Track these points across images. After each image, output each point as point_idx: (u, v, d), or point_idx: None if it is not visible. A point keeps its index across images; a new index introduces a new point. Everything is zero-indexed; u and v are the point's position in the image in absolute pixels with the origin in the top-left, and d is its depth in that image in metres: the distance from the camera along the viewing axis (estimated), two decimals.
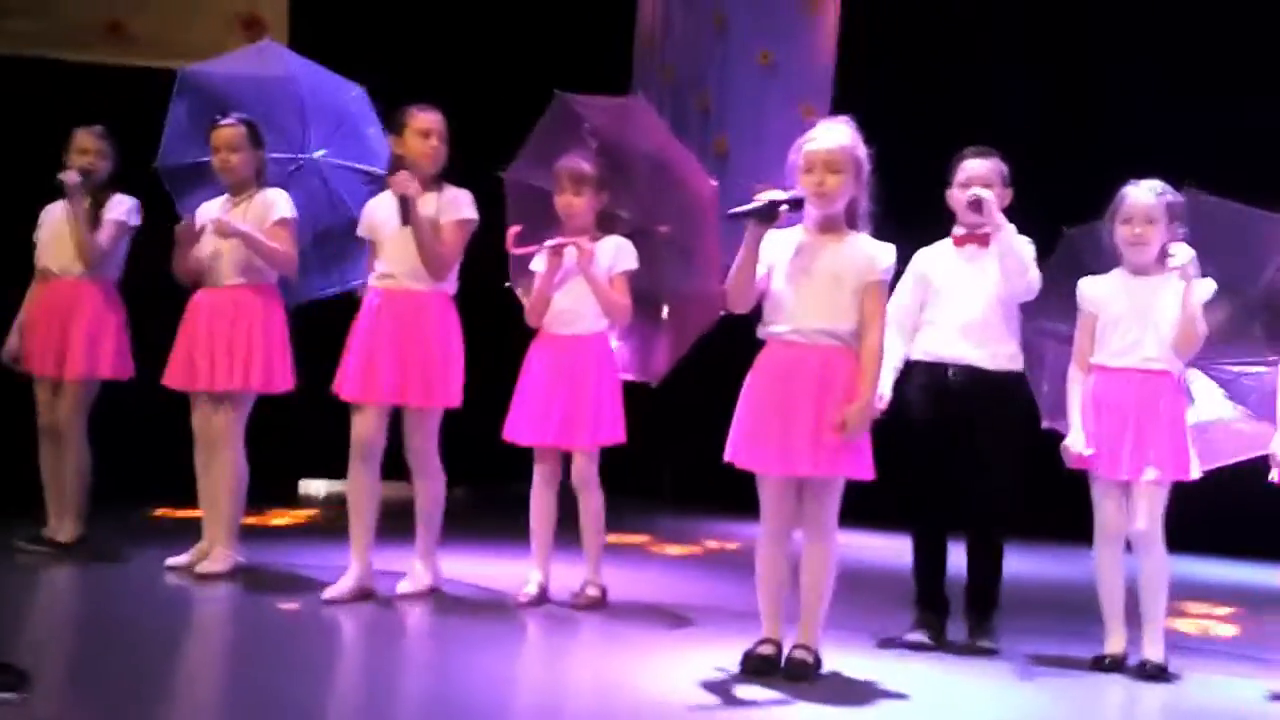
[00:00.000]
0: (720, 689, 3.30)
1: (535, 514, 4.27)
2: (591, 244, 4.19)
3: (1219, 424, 4.01)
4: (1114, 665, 3.75)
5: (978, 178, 3.93)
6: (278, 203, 4.49)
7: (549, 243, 4.20)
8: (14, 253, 5.02)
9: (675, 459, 6.77)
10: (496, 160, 7.09)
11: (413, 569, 4.25)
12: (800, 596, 3.47)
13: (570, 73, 7.12)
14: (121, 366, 4.76)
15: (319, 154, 4.81)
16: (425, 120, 4.27)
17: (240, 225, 4.38)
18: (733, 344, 3.63)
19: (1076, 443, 3.77)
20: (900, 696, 3.37)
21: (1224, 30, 6.35)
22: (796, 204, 3.38)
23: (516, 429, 4.24)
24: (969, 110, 6.58)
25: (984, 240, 3.93)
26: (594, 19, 7.25)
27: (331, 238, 4.75)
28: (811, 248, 3.45)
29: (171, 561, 4.46)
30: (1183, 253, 3.73)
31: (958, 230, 4.01)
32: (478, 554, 4.87)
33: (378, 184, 4.62)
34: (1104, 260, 3.98)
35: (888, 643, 3.90)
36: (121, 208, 4.75)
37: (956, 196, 3.98)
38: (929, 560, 3.97)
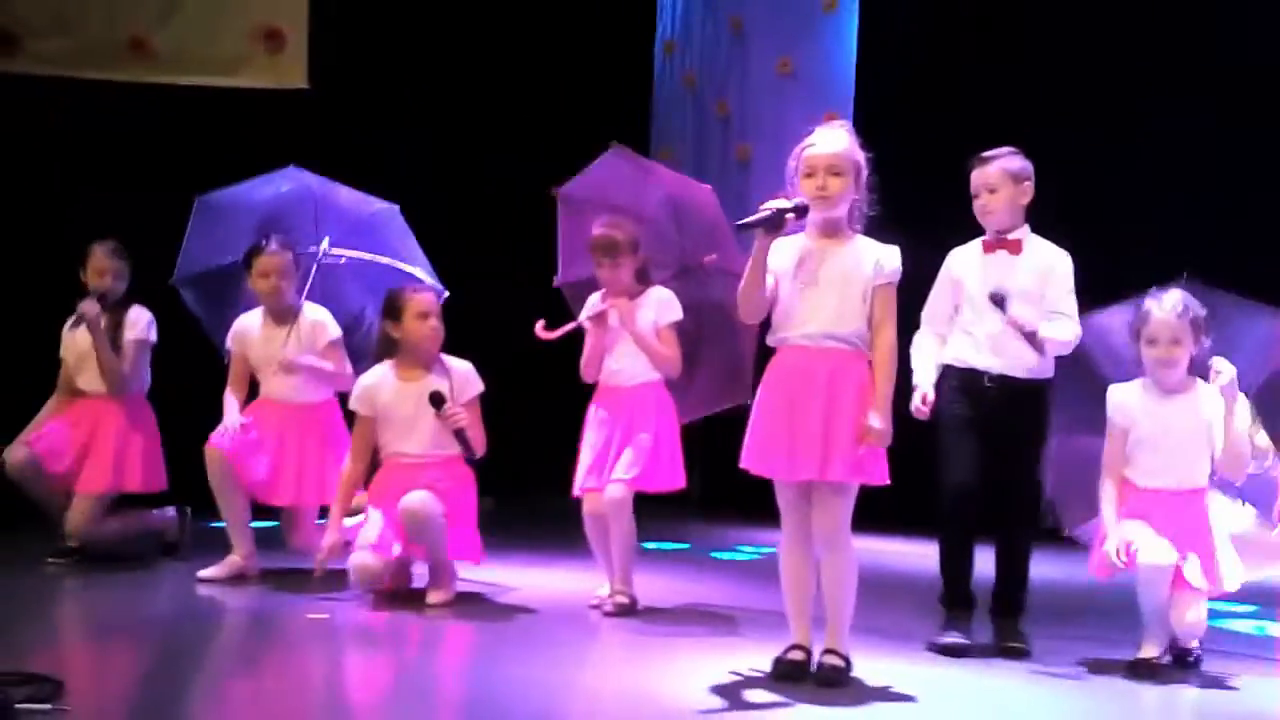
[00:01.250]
0: (751, 695, 3.28)
1: (591, 538, 4.32)
2: (629, 302, 4.24)
3: (1239, 536, 3.87)
4: (1150, 671, 3.71)
5: (983, 186, 3.93)
6: (326, 324, 4.66)
7: (590, 311, 4.28)
8: (41, 259, 5.09)
9: (703, 464, 6.76)
10: (521, 164, 7.10)
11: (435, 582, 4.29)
12: (824, 603, 3.46)
13: (591, 79, 7.19)
14: (152, 479, 4.85)
15: (324, 245, 4.92)
16: (422, 302, 4.36)
17: (306, 360, 4.56)
18: (764, 353, 3.61)
19: (1114, 548, 3.65)
20: (931, 701, 3.35)
21: (1228, 31, 6.32)
22: (802, 211, 3.37)
23: (584, 484, 4.27)
24: (992, 108, 6.57)
25: (1015, 246, 3.91)
26: (614, 25, 7.27)
27: (349, 335, 4.86)
28: (816, 253, 3.44)
29: (204, 574, 4.48)
30: (1226, 370, 3.67)
31: (987, 236, 3.99)
32: (505, 563, 4.86)
33: (401, 275, 4.84)
34: (1111, 354, 3.96)
35: (926, 646, 3.88)
36: (140, 326, 4.85)
37: (973, 200, 3.97)
38: (957, 560, 3.94)
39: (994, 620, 3.97)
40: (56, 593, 4.36)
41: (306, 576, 4.46)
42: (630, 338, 4.24)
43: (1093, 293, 4.01)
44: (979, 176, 3.96)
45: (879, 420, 3.32)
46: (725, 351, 4.42)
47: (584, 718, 3.14)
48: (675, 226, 4.52)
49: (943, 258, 4.09)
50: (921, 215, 3.72)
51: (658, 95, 7.37)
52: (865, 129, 3.56)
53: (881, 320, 3.40)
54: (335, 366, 4.62)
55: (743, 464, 3.48)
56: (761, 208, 3.36)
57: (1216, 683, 3.69)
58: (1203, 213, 6.23)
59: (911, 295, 3.56)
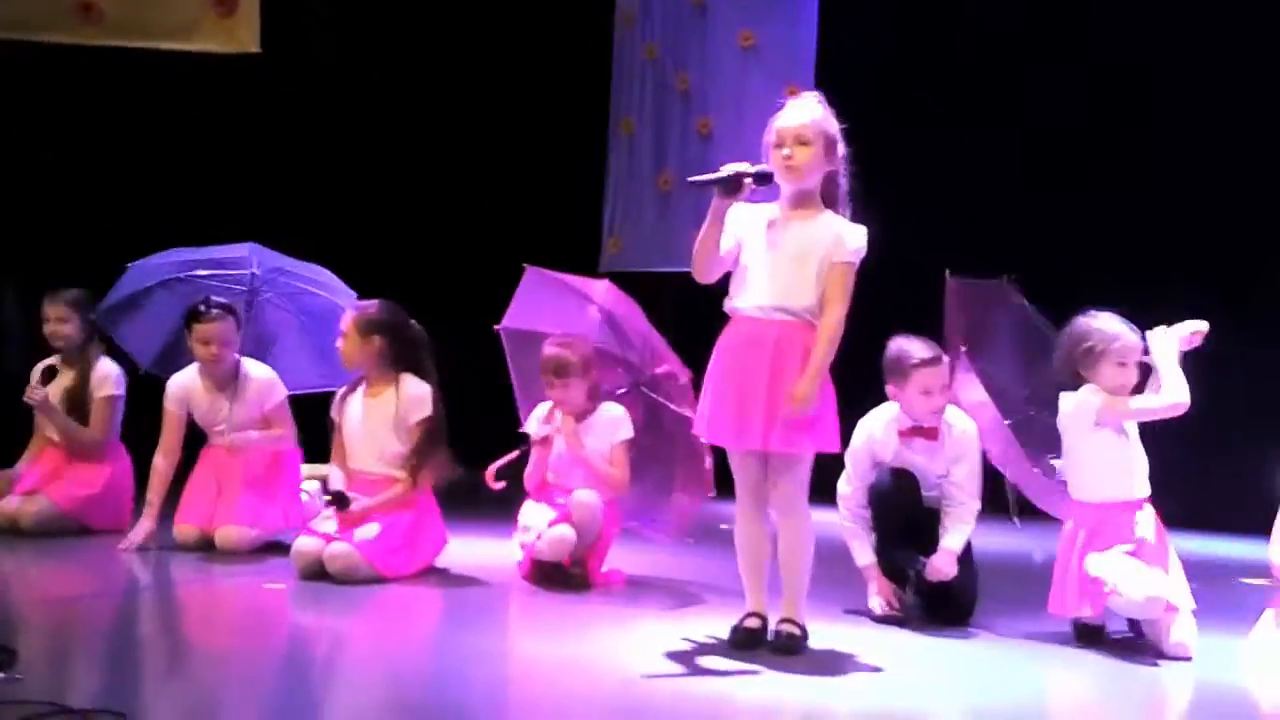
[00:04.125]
0: (708, 664, 3.31)
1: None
2: (575, 424, 4.24)
3: None
4: (1096, 636, 3.79)
5: (937, 386, 3.90)
6: (272, 385, 4.67)
7: (536, 432, 4.28)
8: None
9: None
10: (477, 133, 7.01)
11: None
12: (781, 572, 3.49)
13: (549, 50, 7.16)
14: (119, 519, 4.79)
15: (255, 265, 5.02)
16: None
17: (251, 439, 4.61)
18: (721, 324, 3.61)
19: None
20: (885, 668, 3.39)
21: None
22: (764, 178, 3.35)
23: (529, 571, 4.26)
24: (953, 82, 6.61)
25: (932, 434, 3.96)
26: None
27: (312, 334, 5.00)
28: (781, 225, 3.43)
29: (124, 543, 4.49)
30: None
31: (903, 424, 3.98)
32: (467, 534, 4.85)
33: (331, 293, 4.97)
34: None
35: (855, 613, 3.95)
36: (110, 382, 4.84)
37: (901, 394, 3.94)
38: (888, 537, 3.98)
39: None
40: (7, 562, 4.31)
41: (270, 551, 4.48)
42: (575, 459, 4.25)
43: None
44: (934, 377, 3.91)
45: (805, 388, 3.28)
46: (691, 459, 4.39)
47: (542, 687, 3.15)
48: (617, 342, 4.51)
49: (899, 234, 4.09)
50: (880, 190, 3.71)
51: (617, 67, 7.34)
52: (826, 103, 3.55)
53: (832, 296, 3.36)
54: (280, 429, 4.66)
55: (694, 430, 3.53)
56: (722, 168, 3.34)
57: (1159, 650, 3.73)
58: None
59: (867, 272, 3.51)
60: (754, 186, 3.35)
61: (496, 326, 4.54)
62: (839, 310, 3.37)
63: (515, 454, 4.32)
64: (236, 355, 4.68)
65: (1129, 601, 3.62)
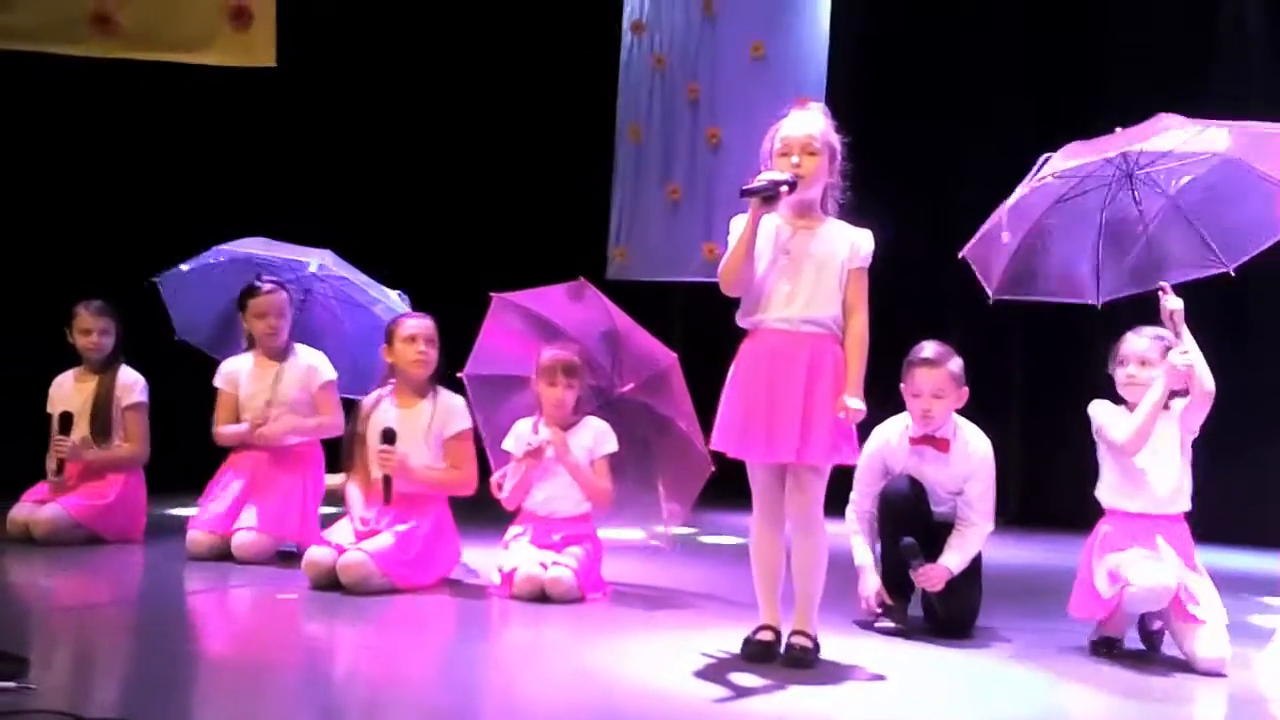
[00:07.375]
0: (721, 676, 3.30)
1: None
2: (563, 434, 4.21)
3: None
4: (1110, 649, 3.78)
5: (929, 390, 3.87)
6: (319, 368, 4.69)
7: (527, 448, 4.22)
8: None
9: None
10: (488, 142, 6.99)
11: None
12: (794, 584, 3.49)
13: (558, 58, 7.18)
14: (130, 532, 4.80)
15: (314, 264, 4.96)
16: (410, 327, 4.32)
17: (285, 428, 4.63)
18: (729, 335, 3.61)
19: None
20: (898, 681, 3.38)
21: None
22: (792, 186, 3.37)
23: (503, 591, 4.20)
24: (963, 94, 6.62)
25: (943, 445, 3.93)
26: (581, 4, 7.26)
27: (353, 344, 4.98)
28: (792, 235, 3.44)
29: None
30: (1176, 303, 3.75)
31: (914, 431, 3.95)
32: (482, 545, 4.85)
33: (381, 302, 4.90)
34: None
35: (864, 625, 3.95)
36: (136, 390, 4.85)
37: (911, 398, 3.92)
38: (891, 554, 3.96)
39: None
40: (19, 571, 4.32)
41: (283, 561, 4.50)
42: (564, 470, 4.21)
43: None
44: (926, 379, 3.87)
45: (857, 400, 3.33)
46: (676, 452, 4.37)
47: (554, 699, 3.15)
48: (607, 353, 4.42)
49: (908, 245, 4.07)
50: (889, 201, 3.71)
51: (625, 75, 7.35)
52: (836, 114, 3.56)
53: (855, 303, 3.42)
54: (325, 415, 4.65)
55: (715, 445, 3.48)
56: (759, 177, 3.35)
57: (1176, 663, 3.72)
58: None
59: (875, 281, 3.51)
60: (786, 195, 3.37)
61: (460, 374, 4.44)
62: (865, 316, 3.42)
63: (520, 477, 4.23)
64: (288, 337, 4.72)
65: (1138, 590, 3.59)
